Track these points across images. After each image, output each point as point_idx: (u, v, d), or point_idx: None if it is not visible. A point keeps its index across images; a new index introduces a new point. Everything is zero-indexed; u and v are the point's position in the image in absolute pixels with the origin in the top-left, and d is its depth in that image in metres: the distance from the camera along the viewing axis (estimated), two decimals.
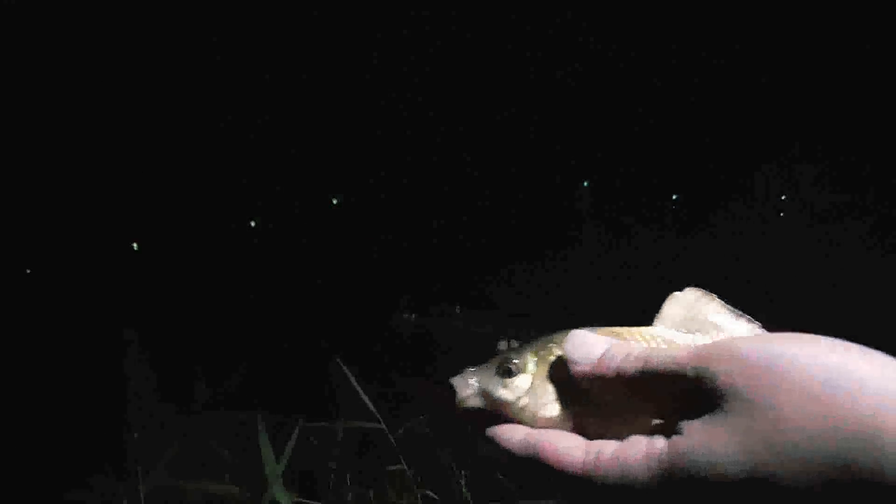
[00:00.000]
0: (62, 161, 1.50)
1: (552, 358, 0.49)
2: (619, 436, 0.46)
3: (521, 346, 0.50)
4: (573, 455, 0.45)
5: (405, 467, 1.49)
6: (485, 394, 0.48)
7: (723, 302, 0.52)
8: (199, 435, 1.53)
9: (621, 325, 0.49)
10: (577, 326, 0.49)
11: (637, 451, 0.44)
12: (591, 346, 0.48)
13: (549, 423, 0.48)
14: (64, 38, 1.43)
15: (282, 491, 1.34)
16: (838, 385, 0.40)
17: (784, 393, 0.41)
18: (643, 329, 0.50)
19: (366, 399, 1.49)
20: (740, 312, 0.51)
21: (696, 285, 0.54)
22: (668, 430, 0.43)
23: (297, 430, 1.39)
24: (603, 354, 0.48)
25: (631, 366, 0.46)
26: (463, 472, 1.47)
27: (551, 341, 0.50)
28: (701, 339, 0.50)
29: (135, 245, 1.49)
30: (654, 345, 0.49)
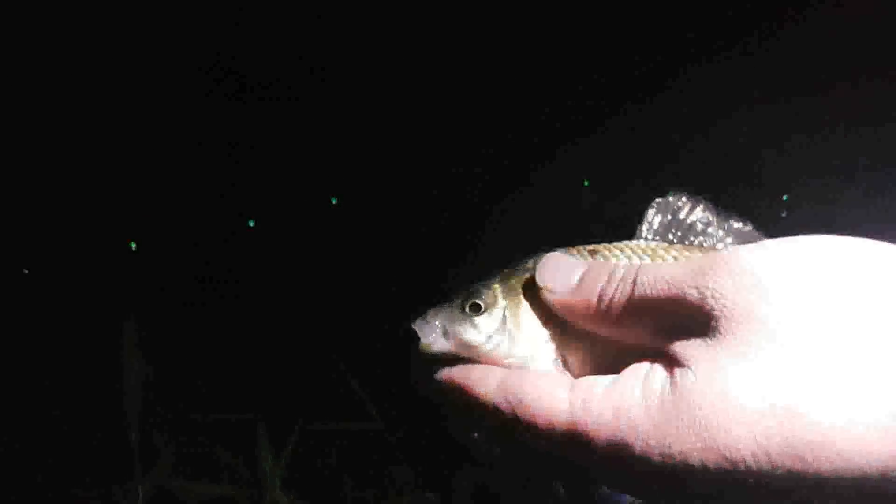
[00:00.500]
0: (61, 160, 1.49)
1: (524, 286, 0.47)
2: (608, 368, 0.43)
3: (488, 276, 0.48)
4: (558, 397, 0.41)
5: (406, 467, 1.49)
6: (451, 335, 0.46)
7: (711, 204, 0.48)
8: (199, 436, 1.53)
9: None
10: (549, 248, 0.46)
11: (632, 389, 0.40)
12: (567, 270, 0.45)
13: (527, 363, 0.45)
14: (63, 38, 1.42)
15: (281, 492, 1.34)
16: (873, 301, 0.36)
17: (806, 312, 0.37)
18: (624, 243, 0.48)
19: (366, 399, 1.49)
20: (731, 213, 0.48)
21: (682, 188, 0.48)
22: (666, 360, 0.40)
23: (296, 432, 1.39)
24: (582, 278, 0.45)
25: (616, 290, 0.43)
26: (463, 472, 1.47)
27: (522, 267, 0.48)
28: (690, 251, 0.46)
29: (133, 244, 1.47)
30: (638, 261, 0.46)
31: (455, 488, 1.40)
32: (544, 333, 0.45)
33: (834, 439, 0.36)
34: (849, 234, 0.40)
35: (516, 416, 0.43)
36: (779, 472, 0.37)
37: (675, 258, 0.45)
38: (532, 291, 0.47)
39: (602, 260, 0.46)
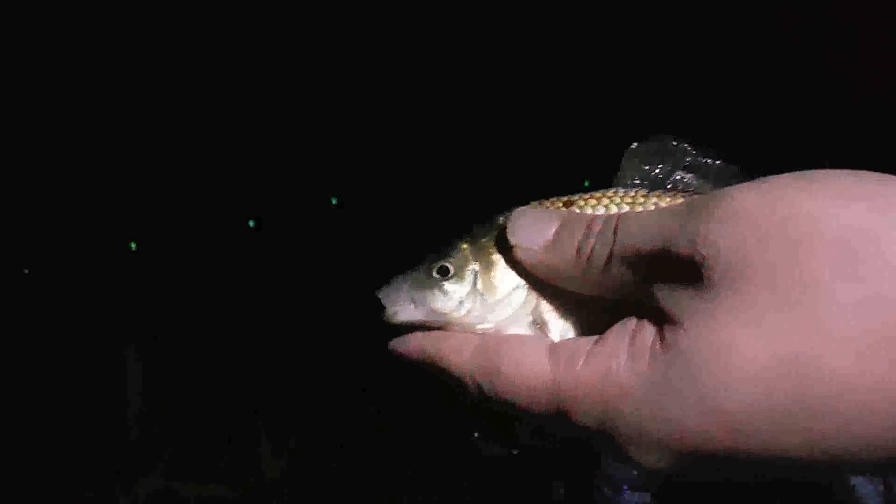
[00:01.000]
0: (61, 160, 1.49)
1: (496, 245, 0.44)
2: (592, 330, 0.40)
3: (457, 236, 0.44)
4: (538, 364, 0.38)
5: (405, 467, 1.48)
6: (419, 303, 0.43)
7: (695, 146, 0.43)
8: (199, 436, 1.53)
9: None
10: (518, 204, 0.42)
11: (617, 349, 0.36)
12: (540, 225, 0.41)
13: (502, 328, 0.42)
14: (63, 38, 1.42)
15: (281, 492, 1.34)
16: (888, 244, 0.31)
17: (812, 258, 0.32)
18: (602, 192, 0.43)
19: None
20: (717, 154, 0.43)
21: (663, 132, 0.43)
22: (655, 316, 0.36)
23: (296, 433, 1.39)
24: (557, 233, 0.41)
25: (596, 243, 0.39)
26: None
27: (493, 224, 0.44)
28: (674, 197, 0.42)
29: (133, 244, 1.47)
30: (617, 210, 0.42)
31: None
32: (520, 295, 0.42)
33: (853, 388, 0.31)
34: None
35: (494, 387, 0.39)
36: (791, 434, 0.32)
37: (657, 205, 0.41)
38: (504, 250, 0.43)
39: (578, 211, 0.41)
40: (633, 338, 0.36)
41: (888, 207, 0.32)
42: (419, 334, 0.43)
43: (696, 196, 0.40)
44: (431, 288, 0.43)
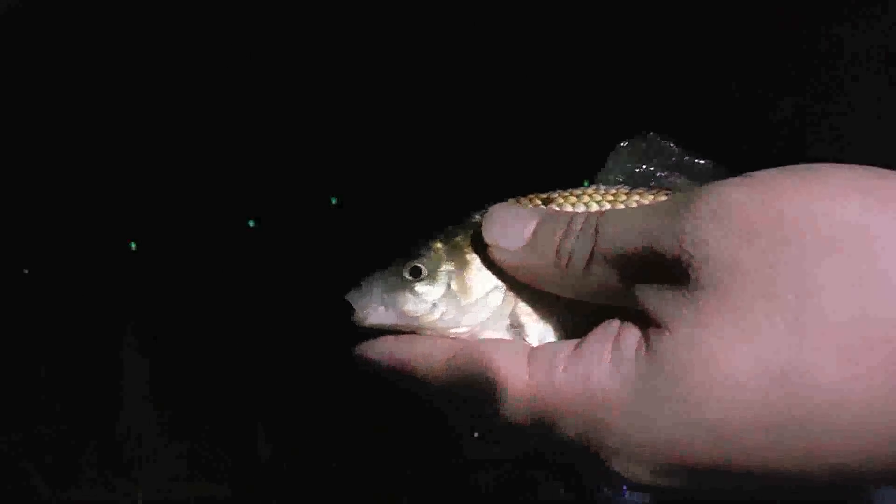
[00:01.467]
0: (61, 160, 1.49)
1: (471, 244, 0.41)
2: (573, 334, 0.38)
3: (431, 235, 0.41)
4: (515, 371, 0.35)
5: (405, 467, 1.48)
6: (390, 305, 0.40)
7: (681, 144, 0.41)
8: (198, 437, 1.53)
9: None
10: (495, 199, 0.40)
11: (599, 355, 0.34)
12: (517, 223, 0.39)
13: (478, 332, 0.39)
14: (62, 38, 1.42)
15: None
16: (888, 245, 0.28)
17: (811, 263, 0.29)
18: (582, 189, 0.41)
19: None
20: (703, 155, 0.41)
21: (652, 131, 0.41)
22: (639, 320, 0.34)
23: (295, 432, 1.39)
24: (535, 232, 0.38)
25: (576, 243, 0.37)
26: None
27: (468, 222, 0.42)
28: (657, 194, 0.40)
29: (133, 244, 1.48)
30: (598, 207, 0.40)
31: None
32: (496, 297, 0.39)
33: (848, 401, 0.29)
34: None
35: (467, 397, 0.37)
36: (784, 448, 0.30)
37: (640, 203, 0.39)
38: (480, 249, 0.40)
39: (557, 209, 0.39)
40: (616, 342, 0.34)
41: (886, 204, 0.30)
42: (389, 338, 0.41)
43: (686, 193, 0.37)
44: (403, 290, 0.41)
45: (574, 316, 0.40)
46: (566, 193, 0.43)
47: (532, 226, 0.39)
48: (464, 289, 0.41)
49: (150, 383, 1.47)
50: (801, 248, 0.30)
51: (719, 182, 0.34)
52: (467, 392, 0.37)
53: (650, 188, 0.42)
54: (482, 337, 0.40)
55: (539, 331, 0.41)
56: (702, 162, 0.43)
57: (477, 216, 0.42)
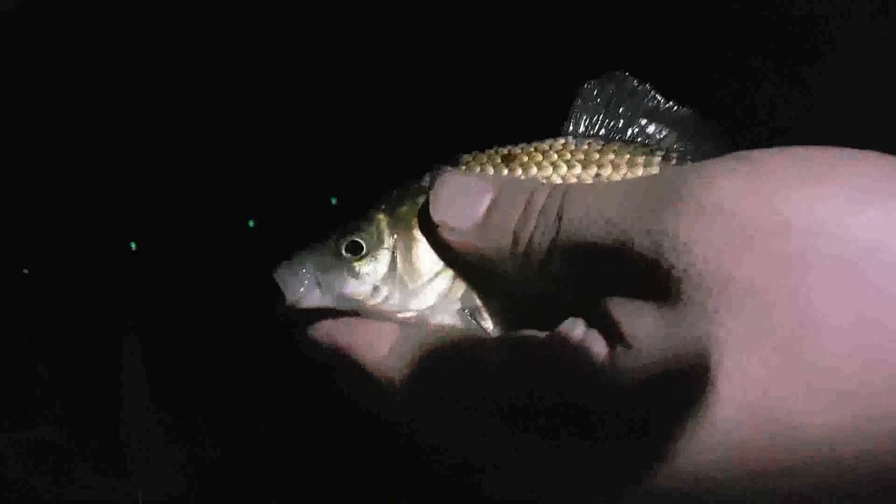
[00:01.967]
0: (60, 160, 1.50)
1: (419, 215, 0.35)
2: (534, 315, 0.32)
3: (373, 203, 0.35)
4: (473, 365, 0.29)
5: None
6: (325, 287, 0.33)
7: (656, 87, 0.34)
8: (198, 437, 1.52)
9: None
10: (453, 150, 0.34)
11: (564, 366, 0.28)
12: (469, 199, 0.32)
13: (426, 316, 0.33)
14: (62, 38, 1.42)
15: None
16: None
17: (816, 288, 0.23)
18: (549, 144, 0.34)
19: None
20: (682, 102, 0.34)
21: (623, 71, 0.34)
22: (605, 326, 0.28)
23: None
24: (489, 210, 0.31)
25: (536, 229, 0.30)
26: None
27: (415, 188, 0.35)
28: (633, 152, 0.32)
29: (133, 244, 1.48)
30: (566, 171, 0.33)
31: None
32: (446, 279, 0.33)
33: (838, 453, 0.24)
34: None
35: (415, 394, 0.31)
36: (763, 493, 0.25)
37: (614, 163, 0.32)
38: (428, 222, 0.34)
39: (520, 173, 0.32)
40: (578, 352, 0.28)
41: None
42: (328, 322, 0.33)
43: (661, 173, 0.30)
44: (340, 269, 0.34)
45: (531, 301, 0.34)
46: (531, 149, 0.35)
47: (486, 201, 0.32)
48: (410, 269, 0.34)
49: (150, 383, 1.47)
50: (805, 271, 0.24)
51: (707, 166, 0.26)
52: (414, 389, 0.31)
53: (625, 143, 0.35)
54: (432, 321, 0.34)
55: (496, 316, 0.34)
56: (680, 109, 0.35)
57: (426, 178, 0.35)
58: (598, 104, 0.37)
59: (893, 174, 0.25)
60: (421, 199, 0.33)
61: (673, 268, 0.24)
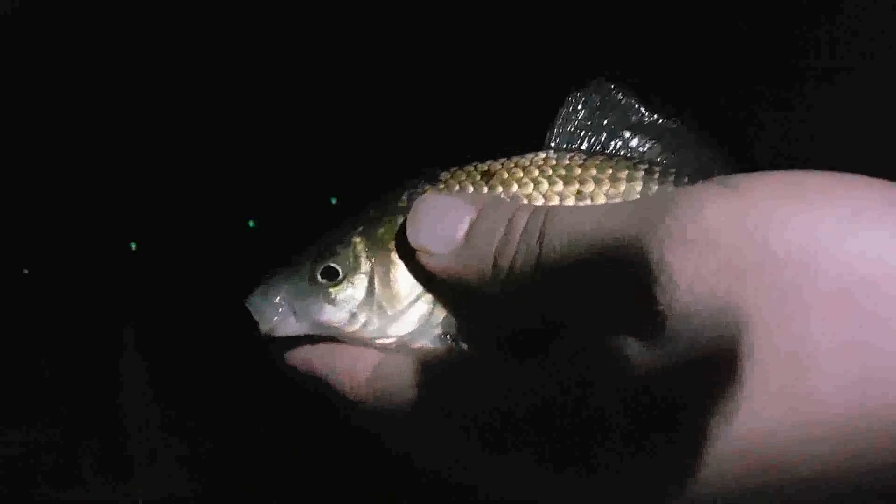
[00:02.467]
0: (60, 160, 1.50)
1: (397, 237, 0.34)
2: (516, 341, 0.33)
3: (349, 223, 0.34)
4: (459, 392, 0.29)
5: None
6: (301, 315, 0.33)
7: (643, 98, 0.34)
8: (198, 437, 1.52)
9: None
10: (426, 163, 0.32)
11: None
12: (448, 222, 0.32)
13: (407, 342, 0.34)
14: (61, 38, 1.42)
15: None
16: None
17: (815, 326, 0.22)
18: (530, 158, 0.34)
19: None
20: (669, 114, 0.34)
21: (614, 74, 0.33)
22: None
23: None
24: (469, 234, 0.32)
25: (517, 251, 0.30)
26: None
27: (393, 207, 0.35)
28: (616, 167, 0.32)
29: (133, 244, 1.48)
30: (547, 186, 0.32)
31: None
32: (426, 302, 0.33)
33: None
34: None
35: (396, 423, 0.31)
36: None
37: (596, 178, 0.32)
38: (407, 244, 0.34)
39: (500, 191, 0.33)
40: (564, 382, 0.28)
41: None
42: (306, 348, 0.34)
43: (644, 199, 0.30)
44: (315, 295, 0.34)
45: (517, 323, 0.34)
46: (511, 164, 0.35)
47: (465, 224, 0.32)
48: (388, 294, 0.34)
49: (150, 383, 1.47)
50: (803, 307, 0.23)
51: (693, 192, 0.26)
52: (393, 418, 0.31)
53: (609, 157, 0.35)
54: (412, 347, 0.34)
55: (478, 342, 0.34)
56: (665, 121, 0.35)
57: (404, 197, 0.35)
58: (581, 116, 0.36)
59: (885, 199, 0.24)
60: (399, 220, 0.33)
61: (658, 301, 0.24)
